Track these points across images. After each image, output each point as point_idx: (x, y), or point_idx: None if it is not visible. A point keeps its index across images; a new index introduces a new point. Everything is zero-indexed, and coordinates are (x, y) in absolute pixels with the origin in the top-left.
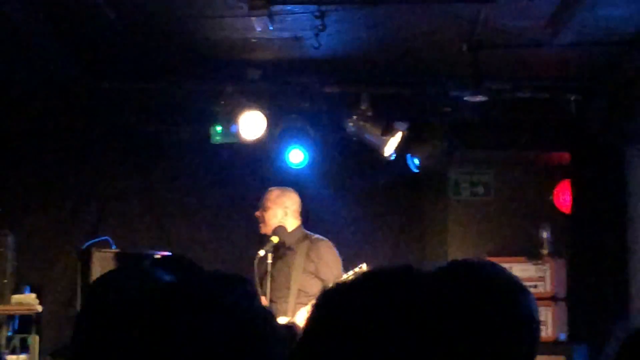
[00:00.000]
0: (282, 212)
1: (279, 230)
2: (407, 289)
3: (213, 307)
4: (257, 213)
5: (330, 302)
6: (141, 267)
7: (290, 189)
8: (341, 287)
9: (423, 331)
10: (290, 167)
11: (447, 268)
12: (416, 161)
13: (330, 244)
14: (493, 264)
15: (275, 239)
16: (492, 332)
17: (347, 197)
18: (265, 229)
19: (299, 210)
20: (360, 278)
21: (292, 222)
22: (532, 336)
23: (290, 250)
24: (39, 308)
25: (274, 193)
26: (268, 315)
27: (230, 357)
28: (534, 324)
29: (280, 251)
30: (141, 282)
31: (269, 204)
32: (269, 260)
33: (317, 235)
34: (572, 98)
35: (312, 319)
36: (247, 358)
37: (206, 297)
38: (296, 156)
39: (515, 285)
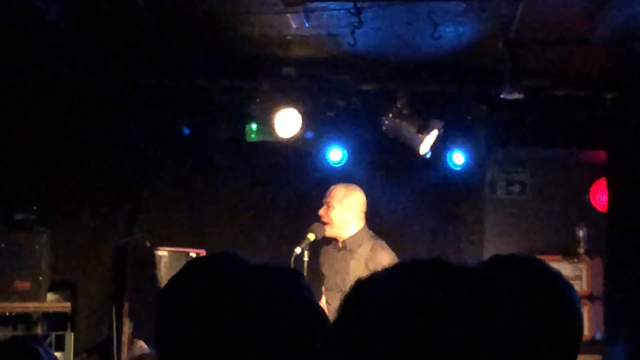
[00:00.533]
0: (348, 212)
1: (316, 227)
2: (448, 280)
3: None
4: (321, 211)
5: (362, 292)
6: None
7: (356, 186)
8: (374, 278)
9: (467, 326)
10: (329, 165)
11: (490, 262)
12: (453, 159)
13: (392, 256)
14: (535, 258)
15: (311, 236)
16: (538, 327)
17: (383, 195)
18: (331, 230)
19: (364, 210)
20: (394, 269)
21: (356, 224)
22: (578, 327)
23: (347, 251)
24: (74, 306)
25: (340, 191)
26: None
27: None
28: (579, 316)
29: (336, 248)
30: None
31: (334, 202)
32: (305, 258)
33: (380, 242)
34: (609, 96)
35: (343, 308)
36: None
37: (274, 289)
38: (335, 154)
39: (558, 278)
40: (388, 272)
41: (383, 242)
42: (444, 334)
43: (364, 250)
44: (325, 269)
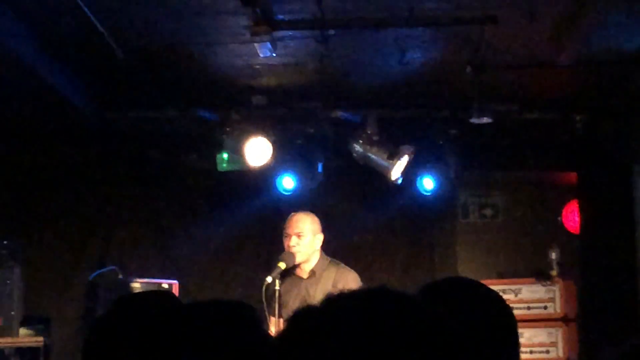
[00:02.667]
0: (317, 239)
1: (287, 256)
2: (380, 310)
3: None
4: (293, 242)
5: (299, 322)
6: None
7: (313, 213)
8: (312, 309)
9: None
10: (294, 193)
11: (426, 288)
12: (423, 184)
13: (357, 277)
14: (471, 281)
15: (282, 265)
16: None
17: (355, 220)
18: (301, 257)
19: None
20: (332, 300)
21: (319, 250)
22: (513, 347)
23: (315, 278)
24: (47, 340)
25: (306, 219)
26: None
27: None
28: (515, 337)
29: (298, 278)
30: (148, 314)
31: (304, 231)
32: (277, 287)
33: (343, 265)
34: (578, 118)
35: (281, 339)
36: None
37: (214, 327)
38: (287, 183)
39: (495, 299)
40: (325, 303)
41: (345, 265)
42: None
43: (329, 274)
44: (288, 298)
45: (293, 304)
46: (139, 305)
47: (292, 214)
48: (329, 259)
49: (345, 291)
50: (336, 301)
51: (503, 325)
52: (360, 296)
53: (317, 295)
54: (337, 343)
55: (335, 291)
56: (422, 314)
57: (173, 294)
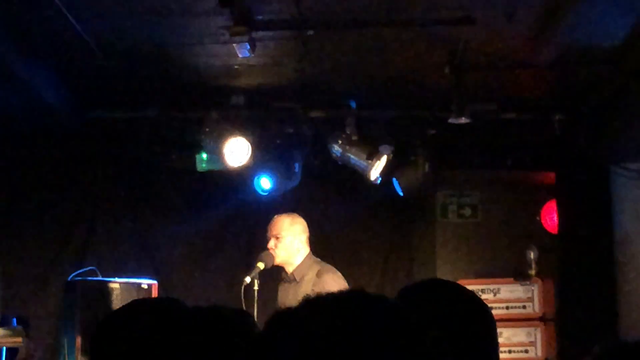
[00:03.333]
0: (298, 241)
1: (265, 256)
2: (353, 315)
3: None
4: (270, 244)
5: (275, 325)
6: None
7: (296, 214)
8: (287, 312)
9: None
10: (277, 193)
11: (403, 291)
12: (402, 185)
13: (338, 277)
14: (447, 282)
15: (261, 265)
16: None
17: (334, 221)
18: (280, 259)
19: (308, 236)
20: (308, 303)
21: (303, 251)
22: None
23: (296, 282)
24: (25, 340)
25: (285, 221)
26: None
27: None
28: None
29: (284, 281)
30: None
31: (283, 233)
32: (255, 287)
33: (326, 266)
34: (557, 117)
35: (257, 341)
36: None
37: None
38: (265, 183)
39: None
40: (299, 308)
41: (329, 266)
42: None
43: (310, 277)
44: (279, 302)
45: (275, 305)
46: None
47: (275, 215)
48: (315, 260)
49: (323, 294)
50: (312, 305)
51: (482, 326)
52: (335, 300)
53: (298, 298)
54: (312, 346)
55: (313, 294)
56: (397, 318)
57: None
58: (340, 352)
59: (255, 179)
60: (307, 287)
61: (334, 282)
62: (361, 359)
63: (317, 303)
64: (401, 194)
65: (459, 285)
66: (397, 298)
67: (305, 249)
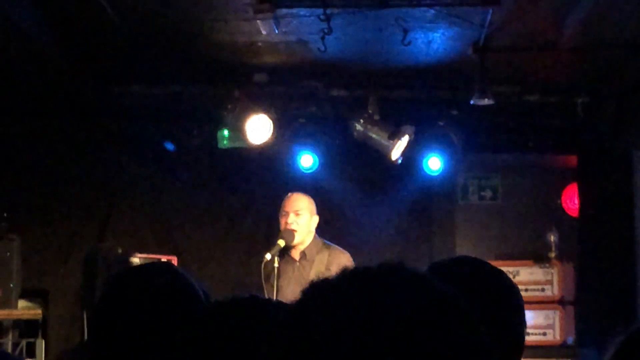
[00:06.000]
0: (313, 220)
1: (286, 233)
2: (392, 286)
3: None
4: (290, 220)
5: (312, 297)
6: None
7: (308, 195)
8: (325, 284)
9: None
10: (300, 172)
11: (433, 267)
12: (429, 165)
13: (349, 257)
14: (476, 259)
15: (282, 243)
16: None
17: (354, 201)
18: (299, 236)
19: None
20: (346, 274)
21: (313, 231)
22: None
23: (307, 261)
24: (45, 313)
25: (304, 199)
26: None
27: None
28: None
29: (292, 259)
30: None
31: (302, 211)
32: (276, 264)
33: (335, 246)
34: (580, 101)
35: (293, 313)
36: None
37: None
38: (306, 161)
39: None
40: (338, 278)
41: (337, 246)
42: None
43: (322, 257)
44: (282, 279)
45: (287, 286)
46: (145, 278)
47: (290, 193)
48: (322, 240)
49: (360, 266)
50: (351, 275)
51: (511, 302)
52: (376, 271)
53: (310, 278)
54: (353, 317)
55: (330, 273)
56: (436, 291)
57: (175, 267)
58: (381, 324)
59: (296, 157)
60: (321, 266)
61: (349, 262)
62: (404, 332)
63: (357, 273)
64: (424, 174)
65: (487, 262)
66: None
67: (314, 230)
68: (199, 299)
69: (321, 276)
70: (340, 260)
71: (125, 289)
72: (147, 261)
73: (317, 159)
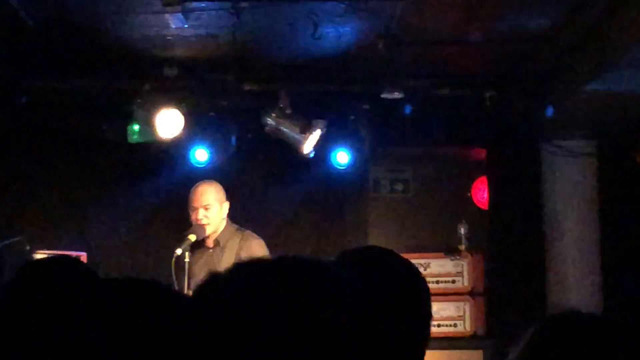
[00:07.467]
0: (224, 208)
1: (197, 228)
2: (296, 277)
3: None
4: (200, 215)
5: (204, 290)
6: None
7: (215, 181)
8: (217, 277)
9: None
10: (207, 165)
11: (340, 256)
12: (337, 158)
13: (262, 243)
14: (384, 250)
15: (192, 237)
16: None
17: (267, 195)
18: (211, 229)
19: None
20: (239, 267)
21: (225, 218)
22: (425, 316)
23: (220, 248)
24: None
25: (211, 190)
26: None
27: None
28: (427, 306)
29: (205, 247)
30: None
31: (211, 202)
32: (187, 259)
33: (248, 232)
34: (488, 95)
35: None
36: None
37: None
38: (201, 155)
39: (408, 268)
40: (233, 270)
41: (252, 232)
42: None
43: (233, 243)
44: (196, 268)
45: (199, 274)
46: (46, 273)
47: (196, 185)
48: (236, 226)
49: (254, 258)
50: (243, 268)
51: (416, 292)
52: (268, 264)
53: (222, 264)
54: (243, 310)
55: (242, 259)
56: (331, 279)
57: (79, 261)
58: (270, 315)
59: (191, 151)
60: (232, 253)
61: (260, 247)
62: (293, 322)
63: (249, 266)
64: (337, 167)
65: (394, 252)
66: (335, 261)
67: (225, 216)
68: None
69: (232, 263)
70: (251, 246)
71: (18, 285)
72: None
73: (210, 153)
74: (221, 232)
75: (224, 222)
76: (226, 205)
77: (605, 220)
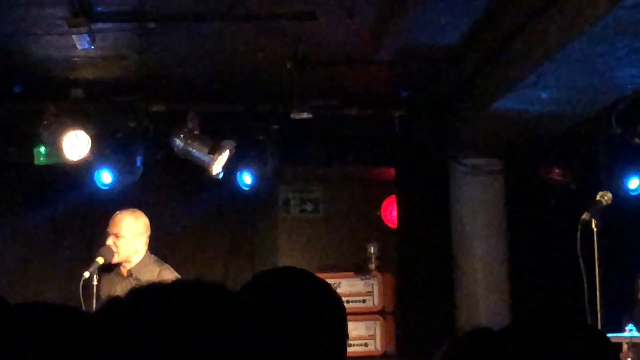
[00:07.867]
0: (138, 240)
1: (105, 251)
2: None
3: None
4: (109, 242)
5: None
6: None
7: (140, 211)
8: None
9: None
10: (115, 188)
11: (253, 279)
12: (245, 179)
13: (178, 276)
14: (297, 270)
15: (100, 260)
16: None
17: (176, 215)
18: (119, 257)
19: (149, 234)
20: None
21: (143, 249)
22: (341, 334)
23: (134, 278)
24: None
25: (127, 219)
26: None
27: None
28: (342, 324)
29: (120, 275)
30: None
31: (123, 232)
32: (94, 282)
33: (167, 265)
34: (397, 114)
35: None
36: None
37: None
38: (105, 177)
39: (323, 288)
40: (130, 295)
41: (169, 266)
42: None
43: (150, 276)
44: (103, 294)
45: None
46: None
47: (117, 212)
48: (154, 258)
49: (156, 283)
50: (141, 294)
51: (333, 315)
52: (164, 288)
53: None
54: (138, 335)
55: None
56: (232, 304)
57: None
58: (164, 340)
59: (96, 173)
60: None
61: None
62: (185, 348)
63: (147, 292)
64: (244, 188)
65: (309, 272)
66: (250, 283)
67: (144, 248)
68: None
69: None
70: (167, 279)
71: None
72: None
73: (113, 176)
74: (136, 264)
75: (141, 254)
76: (143, 239)
77: (513, 237)
